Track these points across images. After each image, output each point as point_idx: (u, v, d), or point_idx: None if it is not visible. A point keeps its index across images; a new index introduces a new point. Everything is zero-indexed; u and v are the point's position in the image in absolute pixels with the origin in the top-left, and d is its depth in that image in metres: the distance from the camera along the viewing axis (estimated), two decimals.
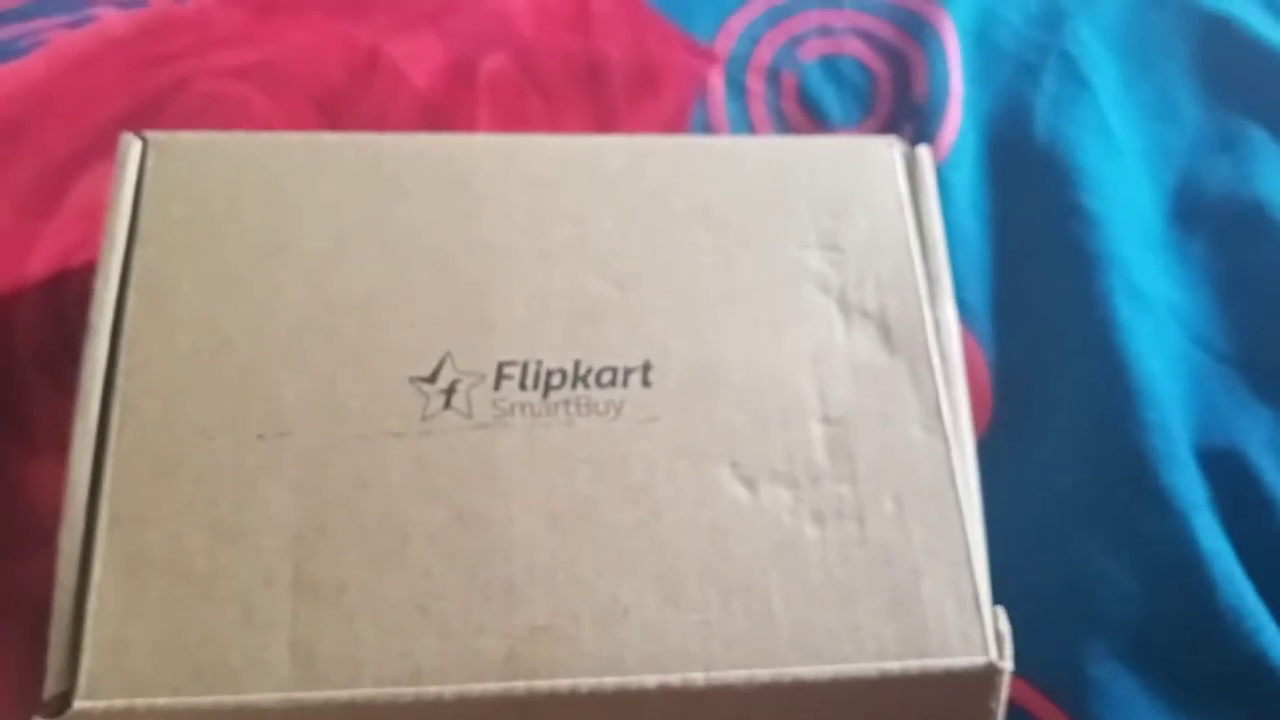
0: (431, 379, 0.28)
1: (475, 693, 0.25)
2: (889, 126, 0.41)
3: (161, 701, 0.24)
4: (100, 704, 0.24)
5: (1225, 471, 0.35)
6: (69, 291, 0.35)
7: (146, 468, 0.26)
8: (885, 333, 0.30)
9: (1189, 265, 0.40)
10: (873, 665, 0.26)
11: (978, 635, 0.26)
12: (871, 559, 0.27)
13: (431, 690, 0.25)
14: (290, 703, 0.24)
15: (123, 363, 0.27)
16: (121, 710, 0.24)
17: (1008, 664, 0.26)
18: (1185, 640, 0.32)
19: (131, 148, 0.30)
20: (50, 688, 0.24)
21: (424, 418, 0.27)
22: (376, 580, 0.26)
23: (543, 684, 0.25)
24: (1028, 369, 0.37)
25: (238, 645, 0.25)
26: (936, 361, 0.29)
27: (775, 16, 0.44)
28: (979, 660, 0.26)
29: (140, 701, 0.24)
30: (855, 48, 0.44)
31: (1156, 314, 0.37)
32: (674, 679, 0.25)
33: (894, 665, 0.26)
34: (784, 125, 0.42)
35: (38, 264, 0.36)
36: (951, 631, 0.26)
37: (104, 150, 0.37)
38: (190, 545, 0.26)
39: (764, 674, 0.25)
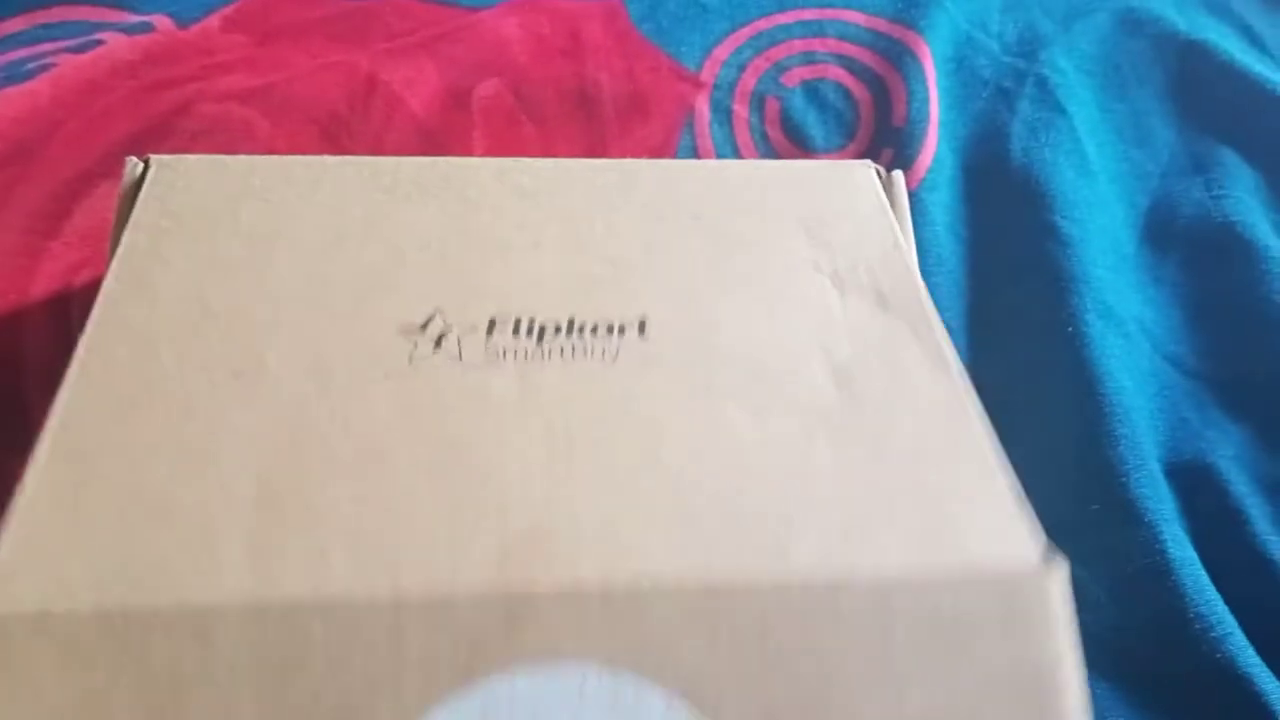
0: (422, 328, 0.27)
1: (463, 593, 0.22)
2: (870, 150, 0.43)
3: (86, 605, 0.21)
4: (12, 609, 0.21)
5: (1194, 484, 0.36)
6: (73, 312, 0.36)
7: (109, 404, 0.25)
8: (882, 301, 0.29)
9: (1160, 285, 0.41)
10: (898, 568, 0.23)
11: (1024, 530, 0.23)
12: (892, 473, 0.25)
13: (414, 590, 0.22)
14: (246, 607, 0.21)
15: (95, 316, 0.27)
16: (35, 615, 0.21)
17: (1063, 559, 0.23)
18: (1156, 648, 0.33)
19: (136, 170, 0.31)
20: None
21: (411, 361, 0.26)
22: (353, 496, 0.23)
23: (542, 578, 0.22)
24: (1002, 386, 0.38)
25: (187, 553, 0.22)
26: (935, 323, 0.29)
27: (760, 44, 0.46)
28: (1030, 555, 0.23)
29: (61, 606, 0.21)
30: (837, 73, 0.45)
31: (1128, 332, 0.38)
32: (683, 579, 0.23)
33: (926, 567, 0.23)
34: (769, 150, 0.43)
35: (42, 284, 0.37)
36: (991, 532, 0.23)
37: (109, 171, 0.39)
38: (147, 469, 0.23)
39: (780, 576, 0.23)
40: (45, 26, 0.43)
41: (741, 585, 0.22)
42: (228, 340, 0.27)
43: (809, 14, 0.47)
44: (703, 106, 0.44)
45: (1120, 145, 0.44)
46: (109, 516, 0.23)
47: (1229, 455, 0.37)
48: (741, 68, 0.45)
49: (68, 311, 0.36)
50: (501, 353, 0.27)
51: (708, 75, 0.45)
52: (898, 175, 0.34)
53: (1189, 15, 0.49)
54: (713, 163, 0.39)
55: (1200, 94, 0.46)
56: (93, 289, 0.35)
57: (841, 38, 0.46)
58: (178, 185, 0.31)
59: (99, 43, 0.42)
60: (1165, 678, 0.33)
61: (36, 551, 0.22)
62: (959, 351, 0.38)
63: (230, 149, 0.41)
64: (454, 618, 0.22)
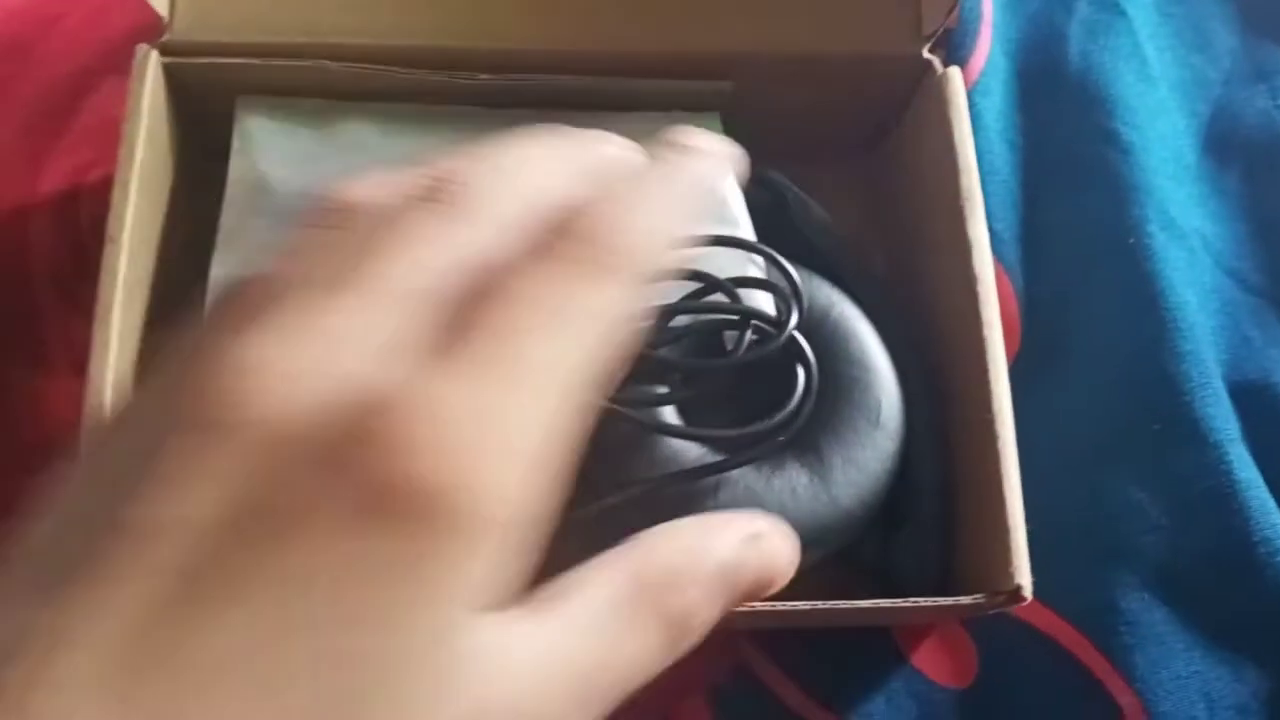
0: None
1: None
2: None
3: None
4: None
5: (1258, 405, 0.34)
6: (82, 210, 0.35)
7: None
8: None
9: (1223, 197, 0.39)
10: None
11: None
12: None
13: None
14: None
15: None
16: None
17: None
18: (1217, 572, 0.32)
19: (148, 59, 0.29)
20: None
21: None
22: None
23: None
24: (1057, 298, 0.36)
25: None
26: None
27: None
28: None
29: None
30: None
31: (1190, 245, 0.37)
32: None
33: None
34: None
35: (49, 182, 0.35)
36: None
37: (112, 67, 0.37)
38: None
39: None
40: None
41: None
42: None
43: None
44: None
45: (1181, 50, 0.42)
46: None
47: None
48: None
49: (76, 210, 0.35)
50: None
51: None
52: (954, 72, 0.32)
53: None
54: None
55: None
56: (100, 188, 0.33)
57: None
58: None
59: None
60: (1226, 603, 0.32)
61: None
62: (1013, 263, 0.37)
63: None
64: None
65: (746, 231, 0.31)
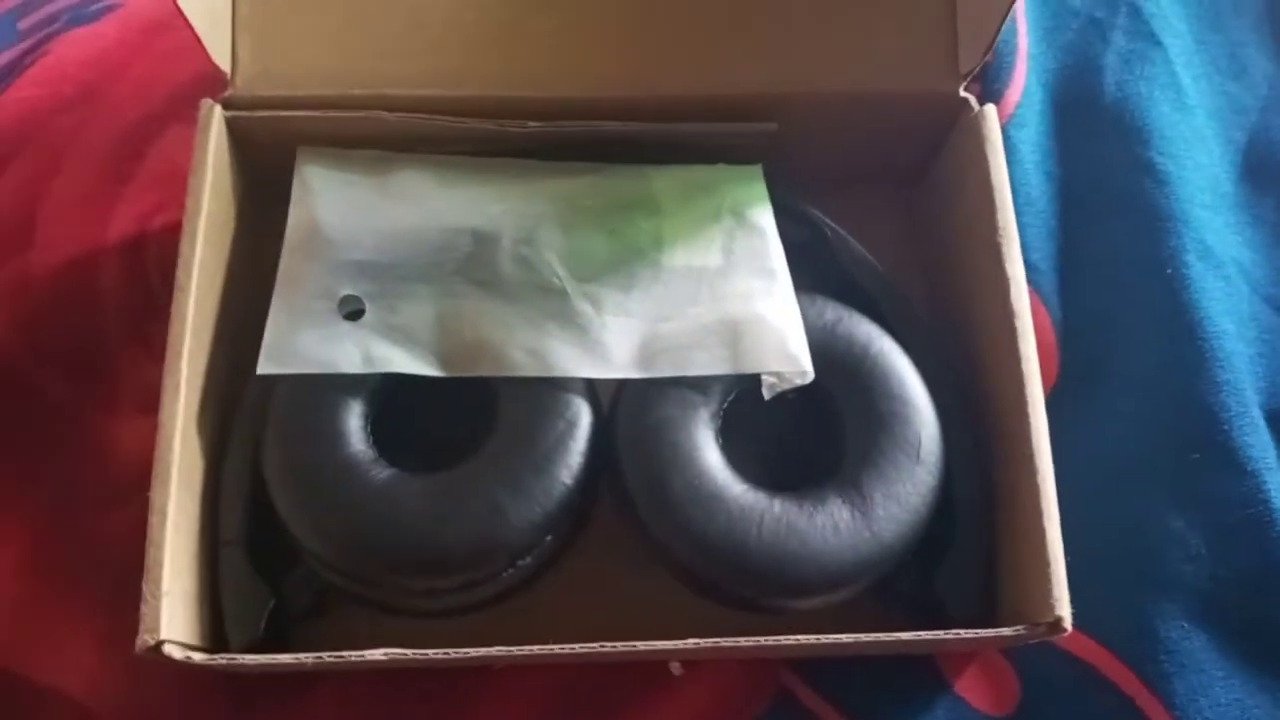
0: None
1: None
2: None
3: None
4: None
5: None
6: (150, 254, 0.36)
7: None
8: None
9: (1260, 225, 0.39)
10: None
11: None
12: None
13: None
14: None
15: None
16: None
17: None
18: (1256, 600, 0.32)
19: (213, 113, 0.31)
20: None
21: None
22: None
23: None
24: (1094, 328, 0.37)
25: None
26: None
27: None
28: None
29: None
30: None
31: (1227, 274, 0.37)
32: None
33: None
34: None
35: (118, 227, 0.36)
36: None
37: (178, 114, 0.38)
38: None
39: None
40: None
41: None
42: None
43: None
44: None
45: (1217, 78, 0.42)
46: None
47: None
48: None
49: (143, 254, 0.36)
50: None
51: None
52: (990, 110, 0.33)
53: None
54: None
55: None
56: (168, 233, 0.35)
57: None
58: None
59: None
60: (1265, 630, 0.32)
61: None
62: (1050, 294, 0.37)
63: None
64: None
65: (781, 270, 0.31)
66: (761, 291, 0.31)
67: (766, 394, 0.30)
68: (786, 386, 0.30)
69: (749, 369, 0.30)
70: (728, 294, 0.31)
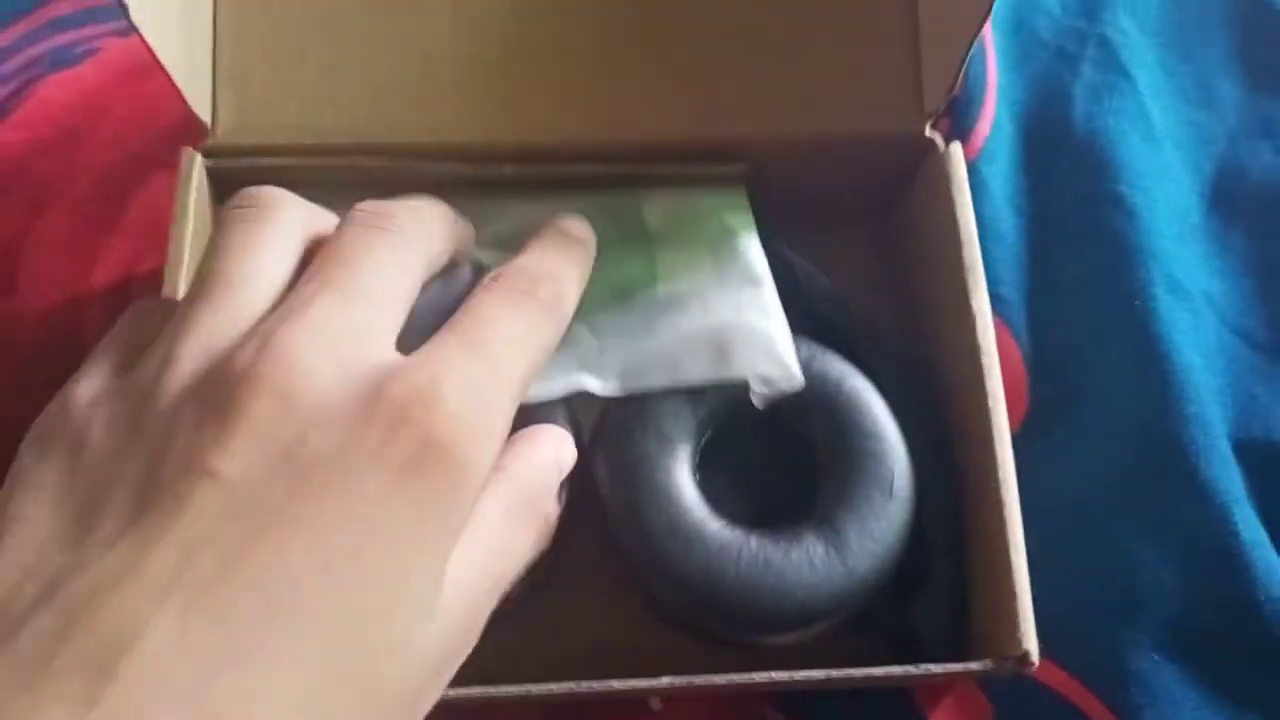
0: None
1: None
2: None
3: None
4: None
5: (1264, 463, 0.35)
6: (133, 301, 0.36)
7: None
8: None
9: (1228, 255, 0.40)
10: None
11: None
12: None
13: None
14: None
15: None
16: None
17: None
18: (1226, 632, 0.33)
19: (194, 162, 0.31)
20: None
21: None
22: None
23: None
24: (1064, 362, 0.37)
25: None
26: None
27: None
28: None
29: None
30: None
31: (1195, 306, 0.37)
32: None
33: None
34: None
35: (102, 274, 0.37)
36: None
37: (161, 159, 0.39)
38: None
39: None
40: (90, 10, 0.43)
41: None
42: None
43: None
44: None
45: (1185, 109, 0.43)
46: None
47: None
48: None
49: (126, 301, 0.36)
50: None
51: None
52: (955, 149, 0.33)
53: None
54: None
55: (1266, 53, 0.44)
56: (152, 280, 0.35)
57: None
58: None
59: None
60: (1236, 662, 0.33)
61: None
62: (1020, 327, 0.38)
63: None
64: None
65: (767, 281, 0.32)
66: (749, 301, 0.32)
67: (757, 403, 0.31)
68: (776, 395, 0.31)
69: (739, 373, 0.31)
70: (716, 306, 0.32)
